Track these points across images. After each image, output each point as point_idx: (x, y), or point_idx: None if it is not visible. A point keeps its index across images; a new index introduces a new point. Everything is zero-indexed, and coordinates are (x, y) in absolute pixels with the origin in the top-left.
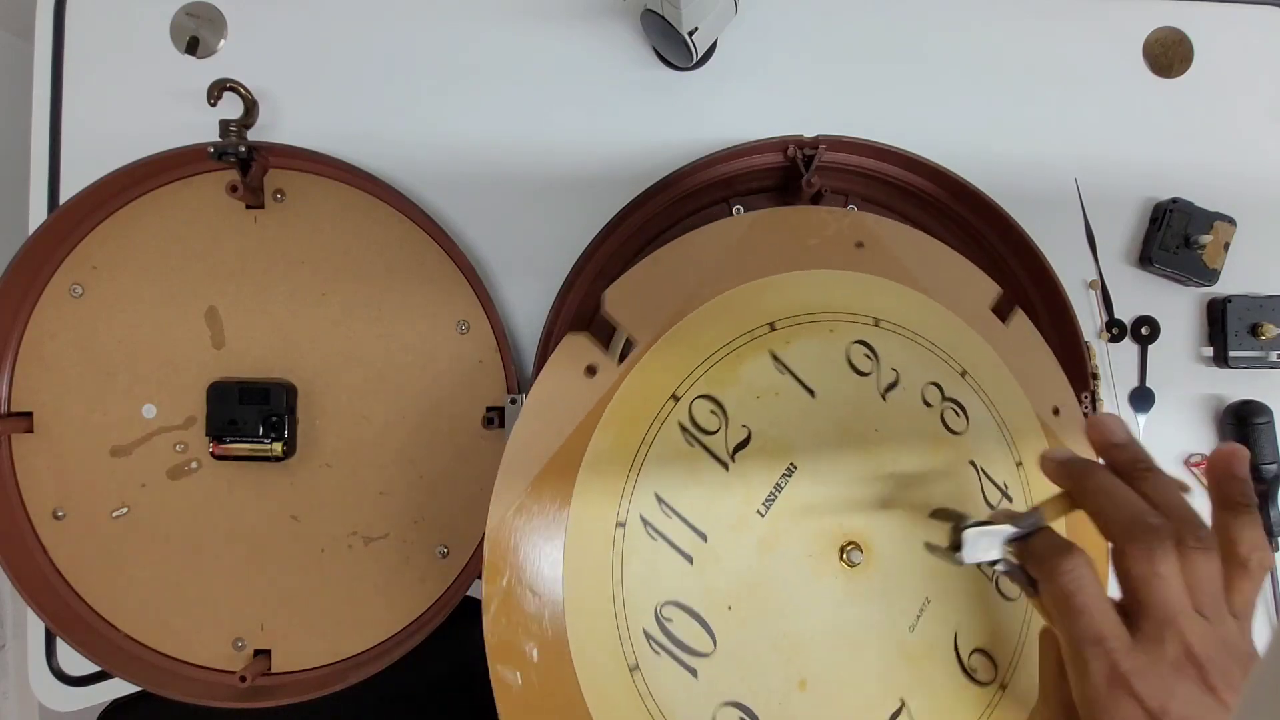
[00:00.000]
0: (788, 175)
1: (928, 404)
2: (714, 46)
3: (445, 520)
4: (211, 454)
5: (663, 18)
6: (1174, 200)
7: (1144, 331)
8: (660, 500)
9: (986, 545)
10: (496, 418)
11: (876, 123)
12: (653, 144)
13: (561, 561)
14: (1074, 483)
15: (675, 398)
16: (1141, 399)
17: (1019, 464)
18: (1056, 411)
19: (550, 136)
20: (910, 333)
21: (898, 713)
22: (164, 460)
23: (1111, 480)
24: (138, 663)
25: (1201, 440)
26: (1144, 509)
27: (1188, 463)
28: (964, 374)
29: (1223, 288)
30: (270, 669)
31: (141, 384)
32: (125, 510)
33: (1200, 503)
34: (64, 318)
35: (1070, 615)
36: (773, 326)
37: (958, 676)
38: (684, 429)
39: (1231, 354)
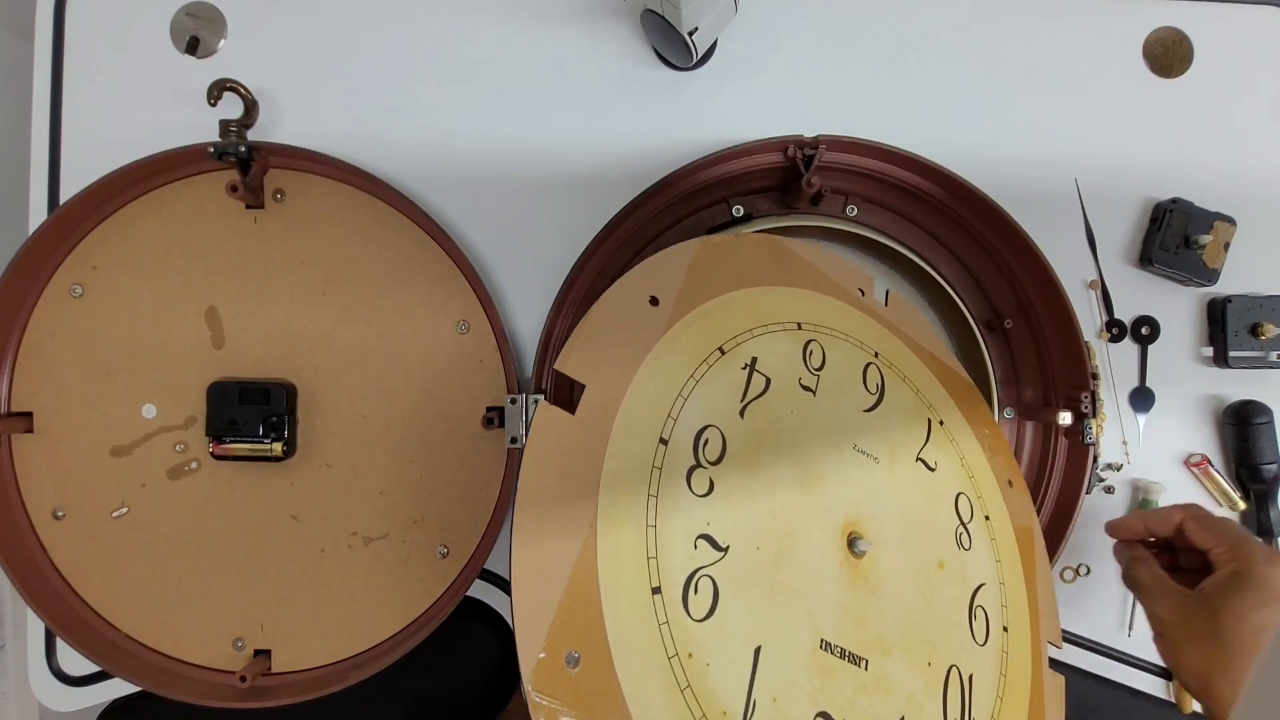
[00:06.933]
0: (788, 175)
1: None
2: (714, 46)
3: (445, 520)
4: (211, 454)
5: (663, 18)
6: (1174, 200)
7: (1144, 331)
8: None
9: None
10: (496, 418)
11: (876, 123)
12: (653, 144)
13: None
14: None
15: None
16: (1141, 399)
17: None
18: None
19: (550, 136)
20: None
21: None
22: (164, 460)
23: None
24: (138, 663)
25: (1202, 440)
26: None
27: (1187, 463)
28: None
29: (1223, 288)
30: (270, 669)
31: (141, 384)
32: (125, 510)
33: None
34: (64, 318)
35: None
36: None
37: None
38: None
39: (1231, 354)
